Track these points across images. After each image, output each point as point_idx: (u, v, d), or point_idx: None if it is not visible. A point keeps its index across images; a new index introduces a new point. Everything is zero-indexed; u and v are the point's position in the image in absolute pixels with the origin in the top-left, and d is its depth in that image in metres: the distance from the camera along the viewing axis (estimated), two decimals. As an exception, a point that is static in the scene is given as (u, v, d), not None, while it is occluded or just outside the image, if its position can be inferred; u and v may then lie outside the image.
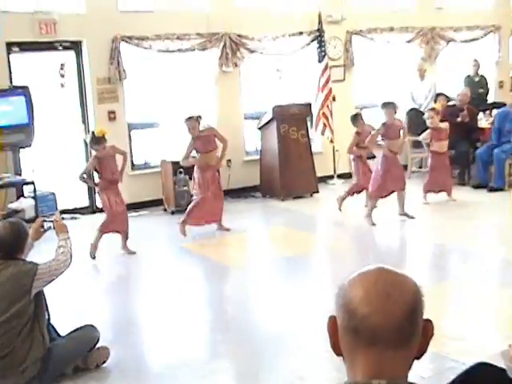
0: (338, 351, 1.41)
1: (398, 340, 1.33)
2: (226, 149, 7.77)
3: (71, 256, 4.09)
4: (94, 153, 6.98)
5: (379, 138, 7.79)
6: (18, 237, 3.95)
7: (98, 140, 6.76)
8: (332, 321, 1.41)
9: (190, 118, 7.46)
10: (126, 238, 7.02)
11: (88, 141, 7.29)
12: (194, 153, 7.64)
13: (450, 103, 10.30)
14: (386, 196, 7.83)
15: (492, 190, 9.17)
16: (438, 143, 8.62)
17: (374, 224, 7.63)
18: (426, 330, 1.39)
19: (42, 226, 4.34)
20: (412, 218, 7.83)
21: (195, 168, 7.63)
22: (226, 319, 5.18)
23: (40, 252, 4.43)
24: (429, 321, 1.40)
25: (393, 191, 7.82)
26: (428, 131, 8.68)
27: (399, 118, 7.99)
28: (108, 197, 6.90)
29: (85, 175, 7.04)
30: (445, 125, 8.67)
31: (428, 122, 8.61)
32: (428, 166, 8.99)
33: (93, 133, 6.94)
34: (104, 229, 6.87)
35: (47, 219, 4.62)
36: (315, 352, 4.17)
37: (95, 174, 7.23)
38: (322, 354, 4.02)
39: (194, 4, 9.54)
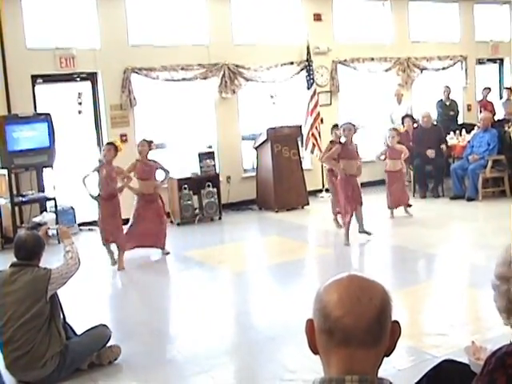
0: (315, 350, 1.41)
1: (368, 340, 1.31)
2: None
3: (79, 260, 4.10)
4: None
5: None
6: (38, 245, 4.01)
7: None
8: (309, 323, 1.41)
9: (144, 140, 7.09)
10: None
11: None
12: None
13: (415, 125, 10.28)
14: (351, 215, 7.08)
15: (469, 199, 9.15)
16: (392, 161, 8.40)
17: (348, 244, 6.99)
18: (394, 331, 1.37)
19: (47, 233, 4.36)
20: (370, 234, 7.18)
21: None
22: (226, 319, 5.16)
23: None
24: (396, 322, 1.38)
25: (353, 211, 7.08)
26: (384, 148, 8.51)
27: (355, 142, 7.19)
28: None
29: None
30: (400, 146, 8.44)
31: (388, 141, 8.41)
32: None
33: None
34: None
35: (51, 227, 4.64)
36: (303, 349, 4.14)
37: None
38: (309, 351, 3.98)
39: (196, 38, 9.57)
